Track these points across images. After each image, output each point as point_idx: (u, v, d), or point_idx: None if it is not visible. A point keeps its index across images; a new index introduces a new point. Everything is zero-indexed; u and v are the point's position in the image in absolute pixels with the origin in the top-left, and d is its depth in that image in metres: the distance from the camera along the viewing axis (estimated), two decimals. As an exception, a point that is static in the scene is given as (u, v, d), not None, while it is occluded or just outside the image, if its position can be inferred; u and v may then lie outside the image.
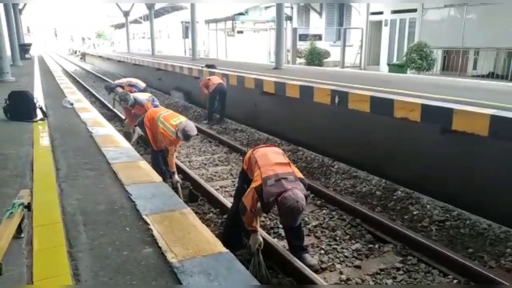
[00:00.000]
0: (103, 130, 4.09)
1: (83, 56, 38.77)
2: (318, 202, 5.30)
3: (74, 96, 6.46)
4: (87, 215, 2.34)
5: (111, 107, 11.57)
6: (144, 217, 2.32)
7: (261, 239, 3.62)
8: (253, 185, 3.36)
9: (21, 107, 4.29)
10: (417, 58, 11.98)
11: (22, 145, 3.35)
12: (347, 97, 6.55)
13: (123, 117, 9.52)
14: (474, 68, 16.12)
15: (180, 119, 5.30)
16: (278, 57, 11.28)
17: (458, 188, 5.19)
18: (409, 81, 8.43)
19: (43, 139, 3.54)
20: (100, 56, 29.76)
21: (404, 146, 5.92)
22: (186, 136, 5.15)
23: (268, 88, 8.80)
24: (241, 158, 7.24)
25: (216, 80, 9.52)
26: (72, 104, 5.20)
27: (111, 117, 10.50)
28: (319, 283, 3.40)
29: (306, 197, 3.39)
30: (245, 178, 3.88)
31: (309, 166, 6.73)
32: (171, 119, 5.30)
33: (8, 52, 9.26)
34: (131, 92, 8.84)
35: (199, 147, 8.16)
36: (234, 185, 5.98)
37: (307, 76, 9.23)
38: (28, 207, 2.14)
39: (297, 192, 3.13)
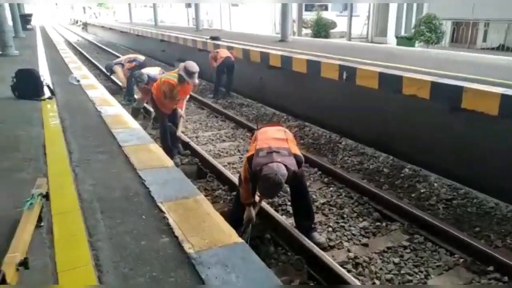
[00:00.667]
0: (112, 109, 4.09)
1: (85, 26, 38.17)
2: (326, 179, 5.33)
3: (79, 71, 6.41)
4: (103, 202, 2.38)
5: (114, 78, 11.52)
6: (159, 204, 2.36)
7: (253, 214, 3.67)
8: (246, 155, 3.42)
9: (28, 85, 4.28)
10: (426, 31, 11.74)
11: (32, 126, 3.36)
12: (355, 73, 6.48)
13: (120, 83, 9.40)
14: (484, 40, 15.82)
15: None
16: (284, 29, 11.09)
17: (466, 166, 5.20)
18: (417, 56, 8.29)
19: (53, 119, 3.54)
20: (102, 27, 29.32)
21: (413, 122, 5.89)
22: (189, 73, 5.32)
23: (274, 61, 8.69)
24: (248, 134, 7.27)
25: (224, 53, 9.37)
26: (78, 81, 5.17)
27: (117, 91, 10.46)
28: (327, 261, 3.46)
29: (298, 174, 3.45)
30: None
31: (316, 143, 6.74)
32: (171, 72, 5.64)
33: (9, 23, 9.10)
34: (132, 67, 8.81)
35: (206, 122, 8.15)
36: (241, 161, 6.02)
37: (313, 49, 9.11)
38: (47, 196, 2.17)
39: (281, 166, 3.14)
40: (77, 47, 21.68)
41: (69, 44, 23.49)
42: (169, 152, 5.71)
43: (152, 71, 7.10)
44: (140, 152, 2.86)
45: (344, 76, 6.70)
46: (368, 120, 6.62)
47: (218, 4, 20.28)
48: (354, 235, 4.15)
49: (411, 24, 18.82)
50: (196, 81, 5.69)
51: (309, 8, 18.32)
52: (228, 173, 5.31)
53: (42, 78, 4.31)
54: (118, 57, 18.02)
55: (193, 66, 5.50)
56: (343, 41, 11.49)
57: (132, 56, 9.06)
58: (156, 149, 2.98)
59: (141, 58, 9.00)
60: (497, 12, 14.43)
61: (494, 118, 4.67)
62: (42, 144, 2.87)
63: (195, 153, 6.20)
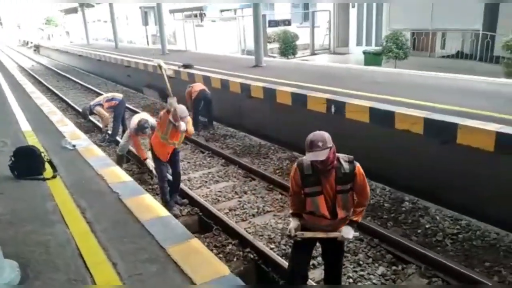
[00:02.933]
0: (128, 187, 3.77)
1: (37, 48, 36.65)
2: (332, 221, 5.36)
3: (65, 127, 6.09)
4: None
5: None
6: None
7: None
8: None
9: (28, 162, 4.03)
10: (394, 47, 12.15)
11: (53, 223, 3.02)
12: (344, 107, 6.60)
13: (100, 125, 9.13)
14: (443, 47, 16.59)
15: None
16: (257, 54, 11.13)
17: (464, 197, 5.41)
18: (402, 82, 8.39)
19: (70, 210, 3.24)
20: (57, 50, 28.25)
21: (407, 155, 6.05)
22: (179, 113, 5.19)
23: (256, 93, 8.71)
24: (240, 171, 7.20)
25: (198, 87, 9.25)
26: (74, 146, 4.92)
27: (90, 128, 10.10)
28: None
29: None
30: None
31: (311, 177, 6.77)
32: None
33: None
34: (111, 106, 8.55)
35: (193, 159, 8.01)
36: (241, 205, 5.96)
37: (292, 76, 9.19)
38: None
39: None
40: (34, 75, 20.77)
41: (23, 70, 22.50)
42: (167, 205, 5.62)
43: (150, 119, 6.90)
44: (189, 256, 2.61)
45: (333, 110, 6.81)
46: (360, 150, 6.73)
47: (180, 24, 20.07)
48: (375, 284, 4.21)
49: (371, 33, 19.48)
50: (183, 127, 5.52)
51: (272, 24, 18.48)
52: (235, 225, 5.23)
53: (43, 155, 4.08)
54: (80, 84, 17.53)
55: (182, 111, 5.39)
56: (318, 63, 11.68)
57: (109, 95, 8.79)
58: (202, 248, 2.80)
59: (119, 96, 8.75)
60: (453, 22, 15.19)
61: (490, 153, 4.89)
62: (78, 252, 2.66)
63: (193, 202, 6.08)
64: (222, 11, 20.47)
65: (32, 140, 5.33)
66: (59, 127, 6.00)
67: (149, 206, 3.33)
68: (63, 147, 4.97)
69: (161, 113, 5.37)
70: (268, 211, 5.77)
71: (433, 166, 5.68)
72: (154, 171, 6.72)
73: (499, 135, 4.74)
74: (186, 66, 11.79)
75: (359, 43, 20.09)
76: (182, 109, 5.41)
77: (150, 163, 6.83)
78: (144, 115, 7.11)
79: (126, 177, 4.00)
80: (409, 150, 5.89)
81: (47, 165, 4.16)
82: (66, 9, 40.39)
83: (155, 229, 2.91)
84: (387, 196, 5.94)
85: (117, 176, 4.01)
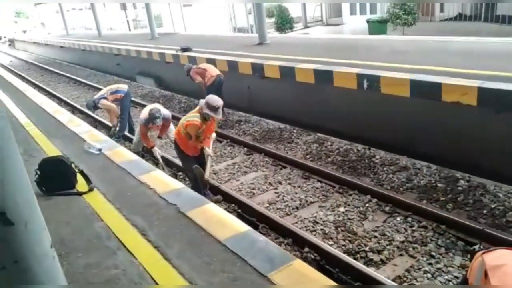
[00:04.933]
0: (184, 196, 3.20)
1: (12, 42, 34.94)
2: (386, 208, 4.93)
3: (79, 128, 5.44)
4: None
5: (86, 110, 10.42)
6: None
7: None
8: None
9: (57, 176, 3.45)
10: (402, 13, 11.58)
11: (113, 251, 2.47)
12: (379, 81, 6.09)
13: (109, 123, 8.52)
14: (442, 11, 16.10)
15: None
16: (261, 31, 10.46)
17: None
18: (423, 49, 7.84)
19: (127, 232, 2.71)
20: (35, 43, 26.87)
21: (457, 130, 5.60)
22: (214, 109, 4.79)
23: (271, 73, 8.12)
24: (267, 159, 6.68)
25: (213, 71, 8.43)
26: (100, 149, 4.33)
27: (92, 123, 9.41)
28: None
29: None
30: None
31: (347, 160, 6.30)
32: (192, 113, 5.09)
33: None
34: (117, 98, 7.89)
35: (213, 150, 7.44)
36: (280, 198, 5.48)
37: (303, 52, 8.62)
38: None
39: None
40: (15, 71, 19.65)
41: (3, 67, 21.29)
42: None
43: (162, 109, 6.32)
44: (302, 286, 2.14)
45: (365, 85, 6.29)
46: (400, 127, 6.28)
47: (167, 5, 19.07)
48: (457, 277, 3.80)
49: (365, 3, 18.84)
50: (220, 116, 5.10)
51: (264, -2, 17.63)
52: (284, 222, 4.75)
53: (74, 165, 3.49)
54: (67, 77, 16.58)
55: (217, 101, 4.88)
56: (324, 36, 11.06)
57: (113, 87, 8.06)
58: (306, 268, 2.30)
59: (124, 87, 8.03)
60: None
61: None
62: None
63: (228, 197, 5.58)
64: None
65: (48, 146, 4.70)
66: (72, 128, 5.36)
67: (220, 219, 2.80)
68: (86, 151, 4.36)
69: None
70: (311, 202, 5.29)
71: (487, 139, 5.26)
72: (161, 160, 6.35)
73: None
74: (184, 50, 11.07)
75: (353, 12, 19.47)
76: (214, 98, 4.87)
77: (158, 151, 6.34)
78: (156, 105, 6.52)
79: (176, 183, 3.44)
80: (459, 124, 5.44)
81: (79, 176, 3.58)
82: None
83: (243, 250, 2.40)
84: (436, 175, 5.51)
85: (164, 183, 3.45)
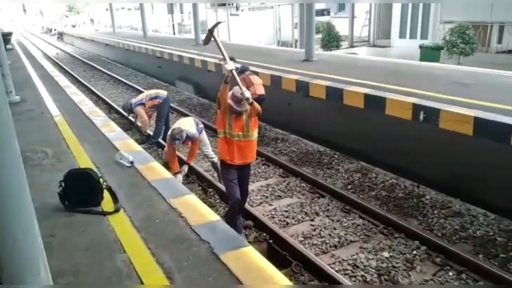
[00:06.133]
0: (220, 232, 2.77)
1: (61, 35, 36.12)
2: (437, 259, 4.37)
3: (113, 134, 5.18)
4: None
5: (121, 110, 10.32)
6: None
7: None
8: None
9: (82, 190, 3.14)
10: (460, 42, 10.92)
11: None
12: (438, 115, 5.55)
13: (141, 128, 8.29)
14: (499, 42, 15.23)
15: None
16: (309, 47, 10.07)
17: None
18: (490, 83, 7.13)
19: (151, 272, 2.34)
20: (82, 38, 27.56)
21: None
22: (235, 98, 4.25)
23: (316, 92, 7.69)
24: (303, 185, 6.23)
25: (259, 89, 7.98)
26: (132, 162, 4.03)
27: (126, 125, 9.25)
28: None
29: None
30: None
31: (392, 196, 5.76)
32: None
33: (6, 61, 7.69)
34: (154, 105, 7.67)
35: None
36: (316, 232, 5.01)
37: (352, 73, 8.14)
38: None
39: None
40: (60, 63, 20.10)
41: (49, 58, 21.84)
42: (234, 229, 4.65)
43: (189, 127, 5.97)
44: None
45: (421, 117, 5.76)
46: (454, 167, 5.70)
47: (214, 12, 19.04)
48: None
49: (417, 26, 18.15)
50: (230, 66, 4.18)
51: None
52: (322, 263, 4.27)
53: (101, 180, 3.18)
54: (108, 75, 16.73)
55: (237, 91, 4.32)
56: (375, 58, 10.55)
57: (153, 92, 7.86)
58: None
59: (163, 93, 7.81)
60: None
61: None
62: None
63: (258, 223, 5.16)
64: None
65: (78, 151, 4.44)
66: (106, 133, 5.10)
67: (260, 269, 2.37)
68: (117, 162, 4.06)
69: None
70: (351, 242, 4.80)
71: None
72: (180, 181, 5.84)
73: None
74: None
75: (402, 36, 18.80)
76: (236, 88, 4.28)
77: (180, 177, 5.91)
78: (185, 123, 6.11)
79: (211, 214, 3.05)
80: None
81: (105, 193, 3.26)
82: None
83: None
84: (495, 226, 4.90)
85: (198, 211, 3.06)
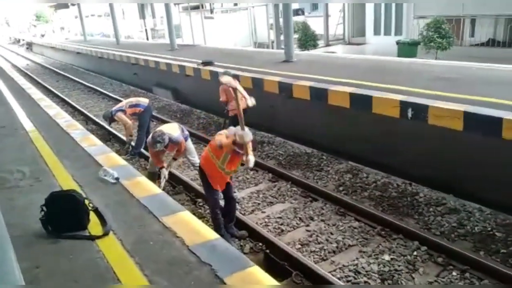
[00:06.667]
0: (220, 251, 2.57)
1: (30, 45, 35.00)
2: (439, 259, 4.27)
3: (94, 148, 4.88)
4: None
5: (98, 120, 9.96)
6: None
7: None
8: None
9: (66, 213, 2.89)
10: (436, 37, 10.99)
11: None
12: (427, 111, 5.48)
13: (124, 138, 8.02)
14: (472, 35, 15.49)
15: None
16: (288, 48, 9.95)
17: None
18: (470, 76, 7.12)
19: None
20: (52, 47, 26.74)
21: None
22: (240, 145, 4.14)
23: (300, 93, 7.56)
24: (294, 189, 6.08)
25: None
26: (117, 178, 3.77)
27: (105, 136, 8.92)
28: None
29: None
30: None
31: (386, 196, 5.66)
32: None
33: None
34: (136, 112, 7.40)
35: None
36: (313, 238, 4.86)
37: (334, 73, 8.04)
38: None
39: None
40: (31, 75, 19.38)
41: (19, 70, 21.05)
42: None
43: (172, 131, 5.75)
44: None
45: (410, 114, 5.69)
46: (445, 163, 5.65)
47: (188, 16, 18.71)
48: None
49: (390, 23, 18.30)
50: (252, 163, 4.36)
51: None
52: (324, 272, 4.10)
53: (87, 202, 2.93)
54: (83, 84, 16.19)
55: (247, 135, 4.17)
56: (353, 56, 10.50)
57: (133, 100, 7.56)
58: None
59: (145, 101, 7.53)
60: (484, 7, 14.04)
61: None
62: None
63: (253, 233, 4.98)
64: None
65: (58, 169, 4.15)
66: (86, 148, 4.80)
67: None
68: (101, 179, 3.80)
69: (225, 141, 4.21)
70: (350, 246, 4.66)
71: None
72: (163, 183, 5.82)
73: None
74: (206, 63, 10.58)
75: (377, 32, 18.93)
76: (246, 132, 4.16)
77: (165, 173, 5.79)
78: (168, 127, 5.92)
79: (209, 232, 2.84)
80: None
81: (92, 214, 3.01)
82: (56, 4, 38.60)
83: None
84: (492, 221, 4.85)
85: (194, 229, 2.84)
